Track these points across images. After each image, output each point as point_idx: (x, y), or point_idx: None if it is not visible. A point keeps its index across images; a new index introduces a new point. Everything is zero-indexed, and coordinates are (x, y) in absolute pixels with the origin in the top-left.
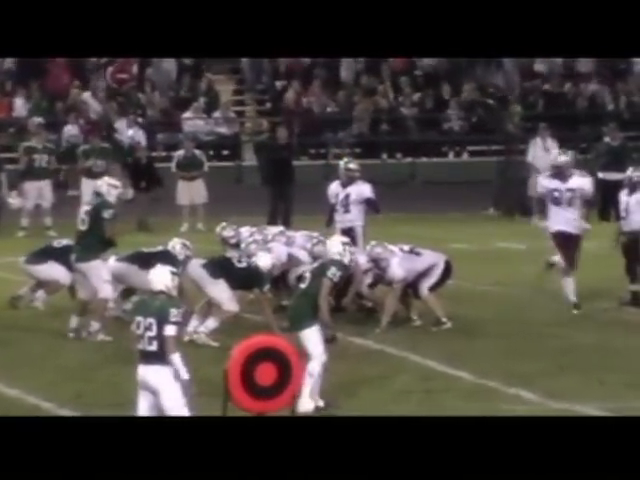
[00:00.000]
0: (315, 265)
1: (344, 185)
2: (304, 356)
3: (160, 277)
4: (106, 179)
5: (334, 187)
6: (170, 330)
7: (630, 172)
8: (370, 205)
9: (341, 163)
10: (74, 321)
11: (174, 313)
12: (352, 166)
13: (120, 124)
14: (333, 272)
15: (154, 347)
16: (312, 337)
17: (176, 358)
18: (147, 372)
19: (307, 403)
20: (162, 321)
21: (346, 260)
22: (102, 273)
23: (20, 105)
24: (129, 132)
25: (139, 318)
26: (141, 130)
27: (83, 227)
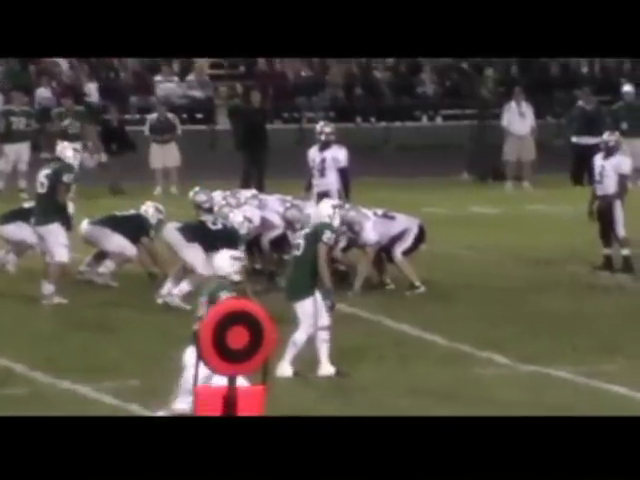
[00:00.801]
0: (306, 231)
1: (321, 149)
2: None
3: (222, 263)
4: (66, 143)
5: (312, 151)
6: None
7: (606, 136)
8: (340, 174)
9: (317, 126)
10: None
11: (223, 297)
12: (327, 129)
13: (90, 87)
14: (328, 236)
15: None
16: (306, 308)
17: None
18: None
19: (286, 369)
20: (211, 302)
21: (336, 223)
22: (60, 237)
23: None
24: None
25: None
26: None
27: (42, 190)
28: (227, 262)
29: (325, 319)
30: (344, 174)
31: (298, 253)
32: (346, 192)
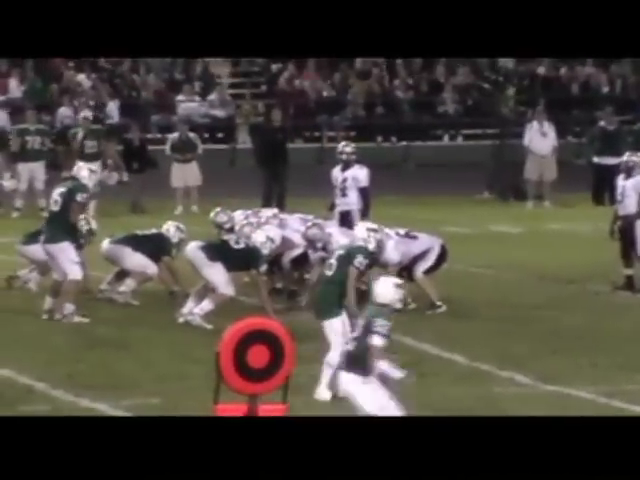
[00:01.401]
0: (340, 252)
1: (343, 169)
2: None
3: (386, 290)
4: (82, 164)
5: (335, 171)
6: (375, 340)
7: (626, 157)
8: (361, 194)
9: (338, 146)
10: (47, 302)
11: (380, 323)
12: (348, 149)
13: (111, 106)
14: (360, 260)
15: (352, 347)
16: (335, 327)
17: (382, 365)
18: (341, 378)
19: (324, 392)
20: (367, 328)
21: (371, 247)
22: (71, 255)
23: (14, 86)
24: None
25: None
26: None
27: (55, 208)
28: (391, 290)
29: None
30: (365, 194)
31: (329, 273)
32: (365, 212)
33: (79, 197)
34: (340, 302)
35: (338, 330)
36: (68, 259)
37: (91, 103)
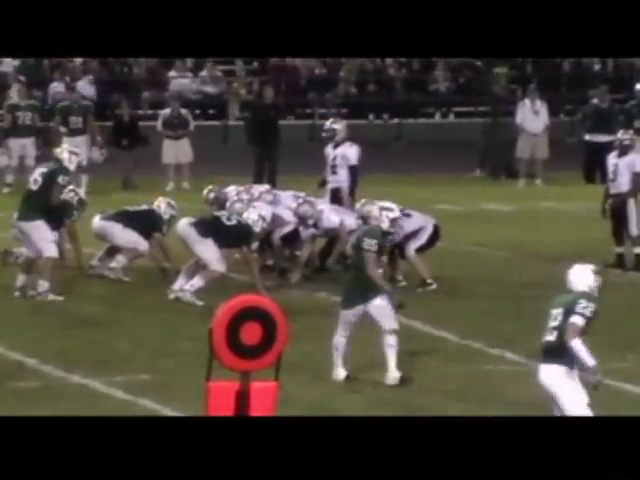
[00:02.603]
0: (352, 241)
1: (334, 147)
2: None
3: (586, 277)
4: (66, 146)
5: (328, 149)
6: (575, 318)
7: (621, 135)
8: (349, 172)
9: (326, 123)
10: (20, 279)
11: (584, 305)
12: (335, 126)
13: (83, 82)
14: (368, 242)
15: (552, 337)
16: (378, 310)
17: (577, 345)
18: (542, 371)
19: (394, 373)
20: (569, 311)
21: (385, 226)
22: (44, 233)
23: (7, 62)
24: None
25: (551, 311)
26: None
27: (34, 187)
28: (591, 277)
29: (391, 323)
30: (353, 172)
31: (350, 261)
32: (353, 189)
33: (60, 179)
34: (367, 287)
35: (382, 312)
36: (41, 237)
37: (89, 76)
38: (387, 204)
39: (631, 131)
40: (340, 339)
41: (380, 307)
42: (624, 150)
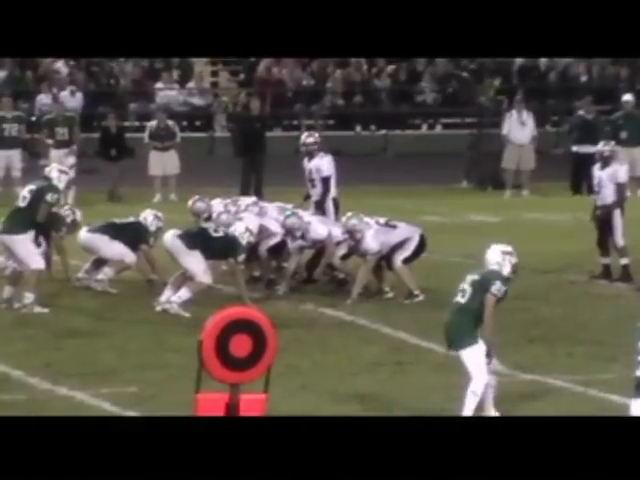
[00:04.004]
0: (475, 278)
1: (308, 160)
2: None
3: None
4: (55, 165)
5: (305, 162)
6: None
7: (601, 146)
8: (322, 183)
9: (301, 137)
10: (6, 291)
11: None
12: (309, 140)
13: (65, 94)
14: (498, 288)
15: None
16: (474, 357)
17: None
18: (634, 406)
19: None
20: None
21: (506, 272)
22: (29, 247)
23: None
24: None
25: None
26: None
27: (22, 204)
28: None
29: (493, 364)
30: (325, 183)
31: (462, 300)
32: (324, 199)
33: (49, 197)
34: (476, 330)
35: (477, 360)
36: (26, 250)
37: (72, 87)
38: (508, 248)
39: (612, 142)
40: (478, 385)
41: (479, 353)
42: (605, 162)
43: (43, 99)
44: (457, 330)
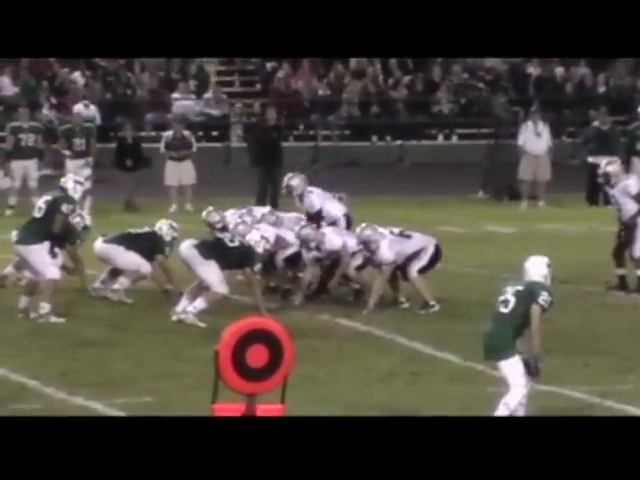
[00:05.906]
0: (519, 289)
1: (300, 200)
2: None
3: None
4: (71, 175)
5: (298, 203)
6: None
7: (603, 165)
8: (315, 218)
9: (284, 179)
10: (23, 301)
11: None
12: (292, 183)
13: (79, 106)
14: (545, 298)
15: None
16: (513, 369)
17: None
18: None
19: None
20: None
21: (549, 283)
22: (43, 257)
23: (7, 84)
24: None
25: None
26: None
27: (38, 215)
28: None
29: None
30: (317, 217)
31: (505, 310)
32: (318, 222)
33: (64, 208)
34: (515, 341)
35: (517, 372)
36: (42, 261)
37: (85, 101)
38: (548, 260)
39: (616, 158)
40: (514, 397)
41: (519, 365)
42: (608, 181)
43: (45, 111)
44: (499, 340)
